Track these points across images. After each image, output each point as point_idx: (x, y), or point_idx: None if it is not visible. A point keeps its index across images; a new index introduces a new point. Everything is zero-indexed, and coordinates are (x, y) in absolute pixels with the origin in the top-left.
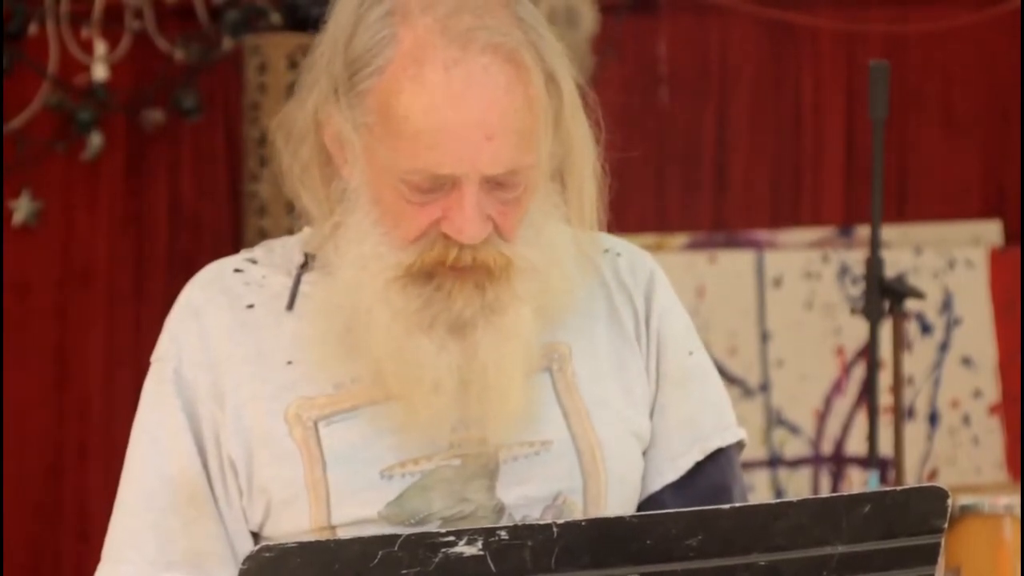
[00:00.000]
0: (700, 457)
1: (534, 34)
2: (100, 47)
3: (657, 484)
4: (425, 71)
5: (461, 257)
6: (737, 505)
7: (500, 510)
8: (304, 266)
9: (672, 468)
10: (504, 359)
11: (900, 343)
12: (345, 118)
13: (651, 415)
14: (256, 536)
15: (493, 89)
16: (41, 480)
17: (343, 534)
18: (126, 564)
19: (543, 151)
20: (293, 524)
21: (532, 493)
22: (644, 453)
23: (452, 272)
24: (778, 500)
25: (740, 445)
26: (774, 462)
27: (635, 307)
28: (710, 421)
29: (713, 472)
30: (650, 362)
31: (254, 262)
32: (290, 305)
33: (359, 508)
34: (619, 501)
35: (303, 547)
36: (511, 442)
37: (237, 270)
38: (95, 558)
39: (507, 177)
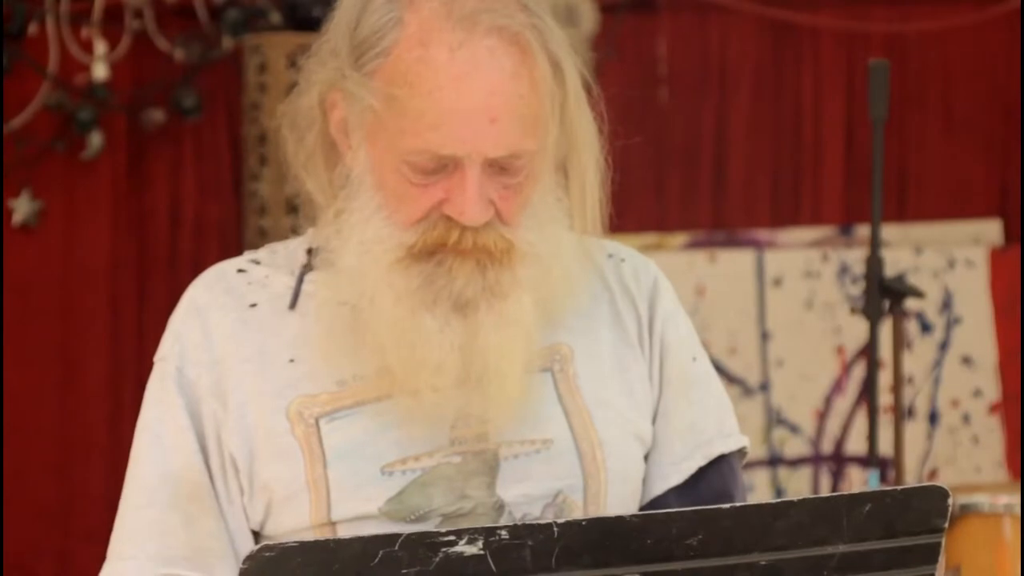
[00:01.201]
0: (703, 462)
1: (539, 20)
2: (100, 47)
3: (660, 488)
4: (430, 53)
5: (462, 239)
6: (737, 505)
7: (500, 507)
8: (307, 265)
9: (676, 472)
10: (504, 344)
11: (900, 342)
12: (350, 101)
13: (654, 419)
14: (257, 535)
15: (498, 72)
16: (43, 479)
17: (343, 530)
18: (128, 560)
19: (546, 136)
20: (294, 521)
21: (532, 491)
22: (646, 457)
23: (453, 251)
24: (778, 500)
25: (742, 453)
26: (774, 461)
27: (638, 312)
28: (713, 427)
29: (715, 478)
30: (653, 367)
31: (257, 263)
32: (293, 304)
33: (360, 504)
34: (619, 500)
35: (303, 546)
36: (512, 440)
37: (240, 270)
38: (98, 557)
39: (510, 161)
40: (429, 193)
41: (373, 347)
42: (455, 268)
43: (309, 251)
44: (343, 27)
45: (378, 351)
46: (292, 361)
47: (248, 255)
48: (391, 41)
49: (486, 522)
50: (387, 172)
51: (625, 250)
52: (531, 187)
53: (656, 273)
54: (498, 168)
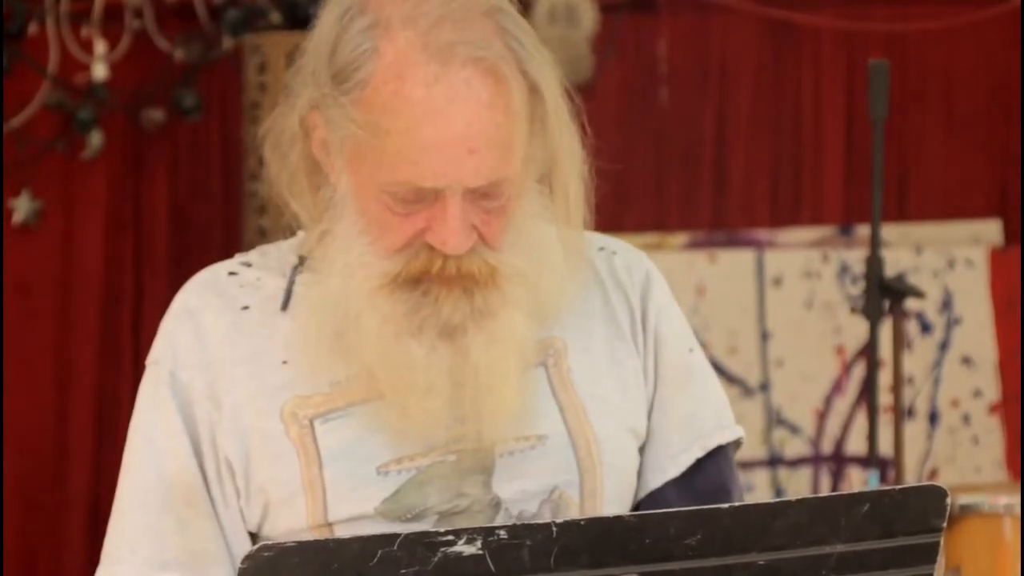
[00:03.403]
0: (701, 454)
1: (517, 45)
2: (100, 46)
3: (658, 480)
4: (406, 87)
5: (446, 267)
6: (736, 504)
7: (496, 504)
8: (298, 266)
9: (673, 464)
10: (496, 361)
11: (900, 342)
12: (330, 127)
13: (650, 413)
14: (254, 537)
15: (475, 103)
16: (40, 480)
17: (340, 531)
18: (122, 564)
19: (526, 161)
20: (291, 522)
21: (528, 487)
22: (642, 450)
23: (438, 279)
24: (777, 499)
25: (738, 443)
26: (774, 462)
27: (631, 305)
28: (710, 418)
29: (712, 470)
30: (648, 360)
31: (248, 265)
32: (285, 306)
33: (356, 505)
34: (615, 495)
35: (302, 546)
36: (507, 436)
37: (231, 273)
38: (94, 558)
39: (490, 188)
40: (411, 222)
41: (362, 360)
42: (441, 297)
43: (300, 255)
44: (321, 52)
45: (366, 366)
46: (285, 363)
47: (239, 258)
48: (367, 73)
49: (483, 519)
50: (369, 200)
51: (616, 243)
52: (513, 208)
53: (648, 266)
54: (479, 194)
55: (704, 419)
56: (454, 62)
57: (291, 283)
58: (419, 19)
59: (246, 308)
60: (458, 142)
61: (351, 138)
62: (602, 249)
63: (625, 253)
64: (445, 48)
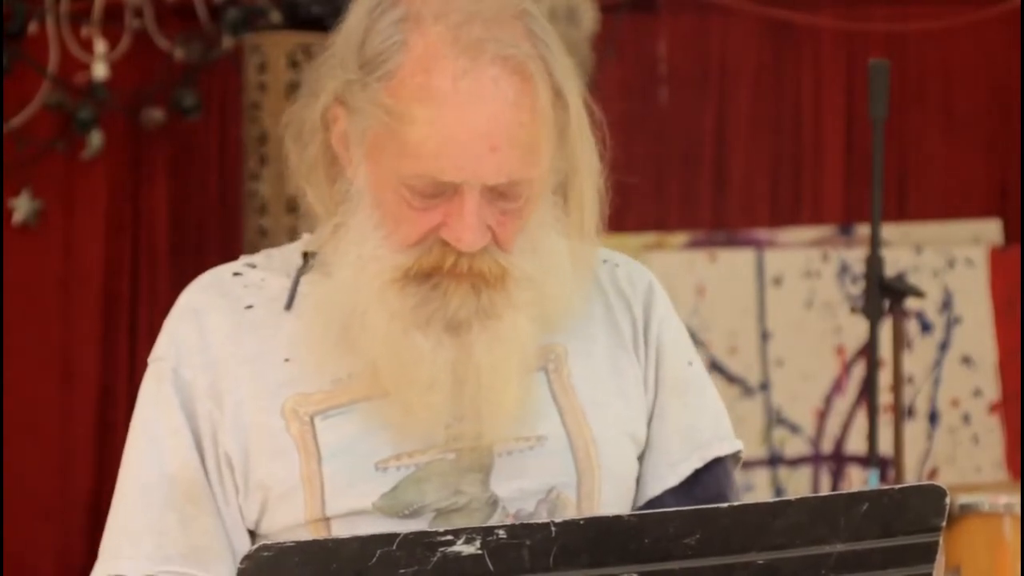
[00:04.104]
0: (699, 464)
1: (544, 49)
2: (100, 46)
3: (658, 488)
4: (433, 79)
5: (458, 264)
6: (735, 504)
7: (494, 503)
8: (303, 267)
9: (672, 473)
10: (499, 362)
11: (900, 342)
12: (353, 119)
13: (649, 422)
14: (252, 534)
15: (500, 101)
16: (43, 477)
17: (337, 526)
18: (124, 560)
19: (546, 164)
20: (289, 518)
21: (526, 486)
22: (641, 458)
23: (449, 275)
24: (776, 499)
25: (737, 457)
26: (774, 461)
27: (633, 315)
28: (710, 429)
29: (710, 481)
30: (648, 370)
31: (253, 266)
32: (289, 305)
33: (354, 500)
34: (613, 498)
35: (301, 546)
36: (506, 437)
37: (236, 274)
38: (95, 557)
39: (509, 188)
40: (427, 217)
41: (366, 355)
42: (450, 291)
43: (305, 254)
44: (350, 43)
45: (370, 361)
46: (288, 360)
47: (244, 259)
48: (396, 64)
49: (480, 517)
50: (386, 192)
51: (619, 256)
52: (529, 212)
53: (650, 278)
54: (497, 193)
55: (702, 430)
56: (483, 58)
57: (296, 283)
58: (450, 15)
59: (250, 307)
60: (481, 138)
61: (372, 129)
62: (605, 261)
63: (627, 265)
64: (475, 44)
